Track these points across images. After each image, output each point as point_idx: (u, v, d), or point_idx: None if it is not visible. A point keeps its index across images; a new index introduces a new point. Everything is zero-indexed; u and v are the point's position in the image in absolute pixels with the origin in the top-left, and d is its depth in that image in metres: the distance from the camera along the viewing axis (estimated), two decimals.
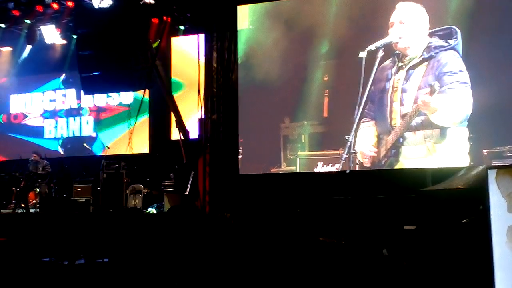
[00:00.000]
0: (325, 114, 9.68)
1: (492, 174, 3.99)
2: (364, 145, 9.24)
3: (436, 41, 8.75)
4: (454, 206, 5.50)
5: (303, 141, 9.83)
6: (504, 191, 3.92)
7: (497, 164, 7.76)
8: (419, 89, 8.77)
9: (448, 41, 8.65)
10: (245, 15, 10.21)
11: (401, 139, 8.90)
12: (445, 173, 7.50)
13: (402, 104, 8.97)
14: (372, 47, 8.93)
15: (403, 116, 8.90)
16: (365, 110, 9.14)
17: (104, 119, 14.05)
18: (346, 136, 9.11)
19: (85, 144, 12.74)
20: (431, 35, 8.81)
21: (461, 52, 8.56)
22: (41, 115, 14.75)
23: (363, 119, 9.20)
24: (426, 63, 8.78)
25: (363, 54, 8.89)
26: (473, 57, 8.52)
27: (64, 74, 14.41)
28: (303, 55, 9.89)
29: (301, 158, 9.76)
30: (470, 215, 4.41)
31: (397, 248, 5.51)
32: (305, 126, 9.81)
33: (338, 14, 9.72)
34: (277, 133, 9.96)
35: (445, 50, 8.67)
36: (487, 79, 8.44)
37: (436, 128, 8.63)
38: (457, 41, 8.57)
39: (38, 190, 11.85)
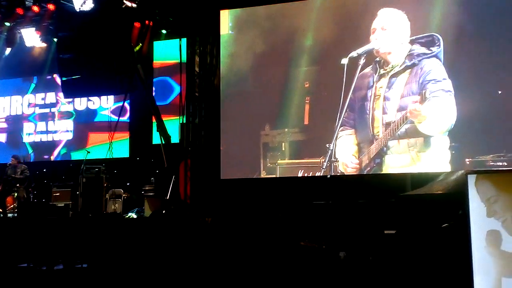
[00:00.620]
0: (306, 122, 9.56)
1: (471, 179, 4.02)
2: (345, 154, 9.12)
3: (418, 49, 8.72)
4: (434, 210, 5.54)
5: (283, 149, 9.69)
6: (483, 196, 3.96)
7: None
8: (402, 97, 8.70)
9: (431, 48, 8.61)
10: (225, 20, 10.14)
11: (385, 148, 8.82)
12: (425, 178, 7.58)
13: (385, 112, 8.87)
14: (354, 53, 8.80)
15: (386, 124, 8.79)
16: (344, 118, 9.01)
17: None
18: (327, 144, 9.00)
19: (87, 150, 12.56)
20: (412, 42, 8.77)
21: (442, 60, 8.54)
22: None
23: (341, 127, 9.08)
24: (409, 70, 8.71)
25: (345, 61, 8.77)
26: (454, 65, 8.49)
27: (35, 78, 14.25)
28: (283, 61, 9.79)
29: (281, 166, 9.65)
30: (450, 220, 4.45)
31: (378, 252, 5.54)
32: (286, 133, 9.69)
33: (319, 20, 9.64)
34: (257, 140, 9.83)
35: (428, 57, 8.63)
36: (469, 87, 8.41)
37: (420, 137, 8.56)
38: (440, 48, 8.54)
39: (16, 194, 11.68)
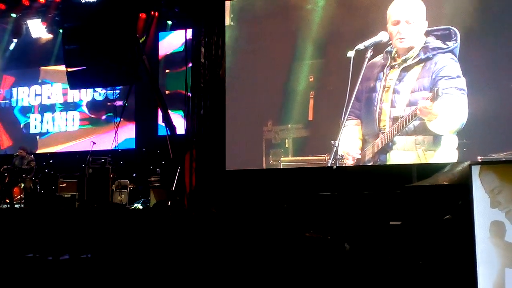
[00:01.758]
0: (310, 117, 9.19)
1: (475, 170, 4.01)
2: (347, 145, 8.77)
3: (433, 42, 8.25)
4: (439, 201, 5.53)
5: (286, 145, 9.35)
6: (487, 187, 3.94)
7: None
8: (412, 91, 8.31)
9: (447, 43, 8.15)
10: (227, 12, 9.89)
11: (391, 144, 8.46)
12: (431, 169, 7.56)
13: (393, 106, 8.47)
14: (360, 46, 8.43)
15: (394, 119, 8.42)
16: (350, 108, 8.58)
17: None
18: (333, 141, 8.63)
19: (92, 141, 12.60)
20: (427, 34, 8.30)
21: (457, 56, 8.09)
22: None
23: (347, 117, 8.65)
24: (422, 64, 8.27)
25: (351, 54, 8.40)
26: (470, 61, 8.04)
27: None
28: (287, 54, 9.40)
29: (284, 163, 9.35)
30: (453, 211, 4.44)
31: (383, 243, 5.53)
32: (289, 129, 9.34)
33: (326, 8, 9.20)
34: (259, 136, 9.52)
35: (443, 52, 8.17)
36: (483, 84, 8.01)
37: (429, 135, 8.20)
38: (456, 44, 8.08)
39: (23, 185, 11.76)
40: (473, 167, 4.03)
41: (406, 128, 8.32)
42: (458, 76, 8.07)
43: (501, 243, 3.76)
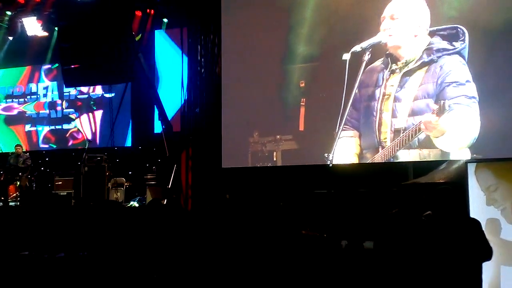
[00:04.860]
0: (301, 127, 8.48)
1: (471, 168, 4.03)
2: (343, 160, 8.07)
3: (439, 43, 7.50)
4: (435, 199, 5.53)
5: (274, 159, 8.66)
6: (483, 185, 3.97)
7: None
8: (415, 99, 7.56)
9: (454, 43, 7.38)
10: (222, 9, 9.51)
11: (392, 159, 7.79)
12: (427, 167, 7.54)
13: (394, 116, 7.72)
14: (357, 48, 7.79)
15: (396, 131, 7.68)
16: (347, 116, 7.93)
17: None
18: (326, 154, 8.07)
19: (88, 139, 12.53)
20: (432, 34, 7.58)
21: (466, 58, 7.31)
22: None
23: (342, 127, 7.99)
24: (426, 68, 7.52)
25: (346, 56, 7.80)
26: (480, 65, 7.25)
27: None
28: (275, 56, 8.68)
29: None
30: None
31: (380, 240, 5.54)
32: (278, 141, 8.63)
33: (319, 7, 8.42)
34: (245, 148, 8.85)
35: (449, 54, 7.41)
36: (494, 90, 7.16)
37: (435, 148, 7.46)
38: (464, 44, 7.29)
39: (18, 183, 11.72)
40: (469, 164, 4.06)
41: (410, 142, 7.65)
42: (467, 82, 7.29)
43: (497, 241, 3.79)
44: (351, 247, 6.22)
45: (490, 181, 3.92)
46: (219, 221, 5.89)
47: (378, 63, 7.94)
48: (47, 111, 14.09)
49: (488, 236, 3.71)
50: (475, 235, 3.52)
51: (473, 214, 3.88)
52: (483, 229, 3.73)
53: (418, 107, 7.59)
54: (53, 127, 14.03)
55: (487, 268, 3.75)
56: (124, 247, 5.54)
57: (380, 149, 7.87)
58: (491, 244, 3.66)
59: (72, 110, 13.88)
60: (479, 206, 3.89)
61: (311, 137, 8.42)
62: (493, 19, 7.30)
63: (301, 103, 8.49)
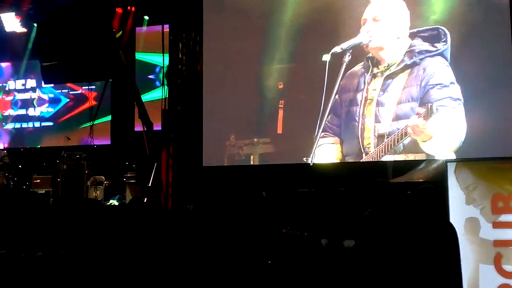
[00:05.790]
0: (279, 131, 8.26)
1: (451, 167, 4.06)
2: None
3: (420, 44, 7.41)
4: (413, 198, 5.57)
5: (252, 162, 8.42)
6: (462, 184, 4.01)
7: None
8: (399, 103, 7.42)
9: (436, 45, 7.30)
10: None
11: None
12: (406, 166, 7.59)
13: (377, 121, 7.56)
14: (337, 49, 7.58)
15: (379, 136, 7.53)
16: (326, 122, 7.75)
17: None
18: (305, 158, 7.91)
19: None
20: (412, 36, 7.49)
21: (449, 60, 7.24)
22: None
23: (322, 134, 7.81)
24: (408, 71, 7.40)
25: (326, 58, 7.59)
26: (463, 66, 7.18)
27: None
28: (252, 57, 8.50)
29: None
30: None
31: (358, 239, 5.57)
32: (255, 144, 8.36)
33: (298, 5, 8.23)
34: (221, 152, 8.64)
35: (432, 56, 7.32)
36: (478, 92, 7.10)
37: (421, 153, 7.34)
38: (446, 45, 7.22)
39: None
40: (448, 164, 4.09)
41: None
42: (452, 83, 7.21)
43: (476, 240, 3.83)
44: (331, 245, 6.25)
45: (469, 181, 3.97)
46: (200, 219, 5.88)
47: (358, 67, 7.80)
48: (25, 109, 13.94)
49: (467, 235, 3.76)
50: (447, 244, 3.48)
51: (453, 213, 3.92)
52: (463, 228, 3.78)
53: (402, 111, 7.47)
54: (31, 124, 13.88)
55: (466, 267, 3.79)
56: (103, 246, 5.50)
57: (363, 155, 7.73)
58: (470, 243, 3.71)
59: (50, 106, 13.76)
60: (458, 205, 3.93)
61: (290, 140, 8.24)
62: (473, 19, 7.28)
63: (279, 105, 8.30)
